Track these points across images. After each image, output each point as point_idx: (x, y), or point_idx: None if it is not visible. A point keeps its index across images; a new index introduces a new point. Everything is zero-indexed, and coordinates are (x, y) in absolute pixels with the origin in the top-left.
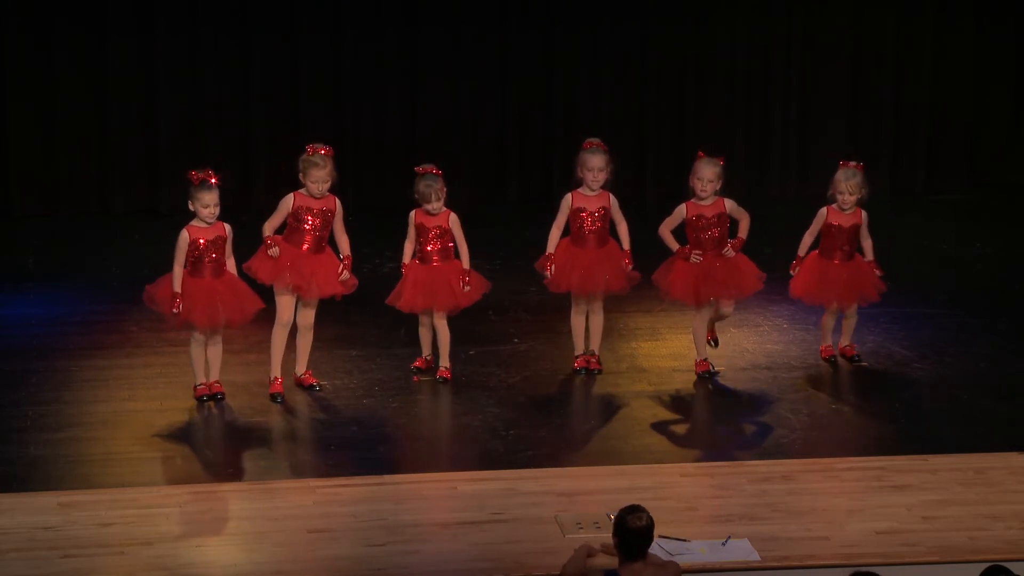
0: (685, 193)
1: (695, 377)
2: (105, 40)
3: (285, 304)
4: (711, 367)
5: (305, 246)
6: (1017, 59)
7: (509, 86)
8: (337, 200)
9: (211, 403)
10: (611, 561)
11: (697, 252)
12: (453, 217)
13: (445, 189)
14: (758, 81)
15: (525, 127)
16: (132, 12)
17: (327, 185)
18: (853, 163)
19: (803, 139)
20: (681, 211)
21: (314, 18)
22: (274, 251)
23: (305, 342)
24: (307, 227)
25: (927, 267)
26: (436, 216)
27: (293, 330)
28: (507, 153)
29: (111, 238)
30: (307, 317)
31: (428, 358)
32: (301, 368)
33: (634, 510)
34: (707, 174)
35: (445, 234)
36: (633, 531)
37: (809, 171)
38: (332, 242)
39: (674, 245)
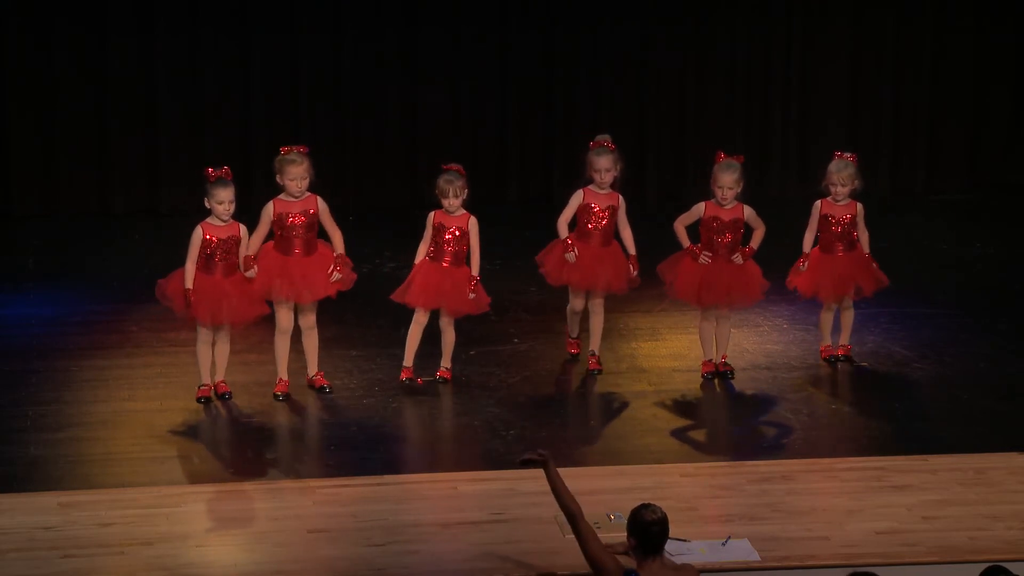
0: (685, 193)
1: (697, 377)
2: (105, 40)
3: (283, 313)
4: (717, 368)
5: (296, 251)
6: (1017, 59)
7: (509, 86)
8: (319, 198)
9: (218, 403)
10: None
11: (707, 253)
12: (473, 221)
13: (467, 190)
14: (758, 81)
15: (525, 127)
16: (132, 12)
17: (306, 182)
18: (847, 154)
19: (803, 139)
20: (699, 209)
21: (314, 18)
22: (251, 273)
23: (311, 342)
24: (294, 232)
25: (927, 267)
26: (456, 217)
27: (297, 333)
28: (507, 153)
29: (111, 238)
30: (307, 319)
31: (411, 368)
32: (312, 369)
33: (647, 506)
34: (726, 181)
35: (463, 237)
36: (650, 523)
37: (809, 171)
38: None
39: (685, 242)
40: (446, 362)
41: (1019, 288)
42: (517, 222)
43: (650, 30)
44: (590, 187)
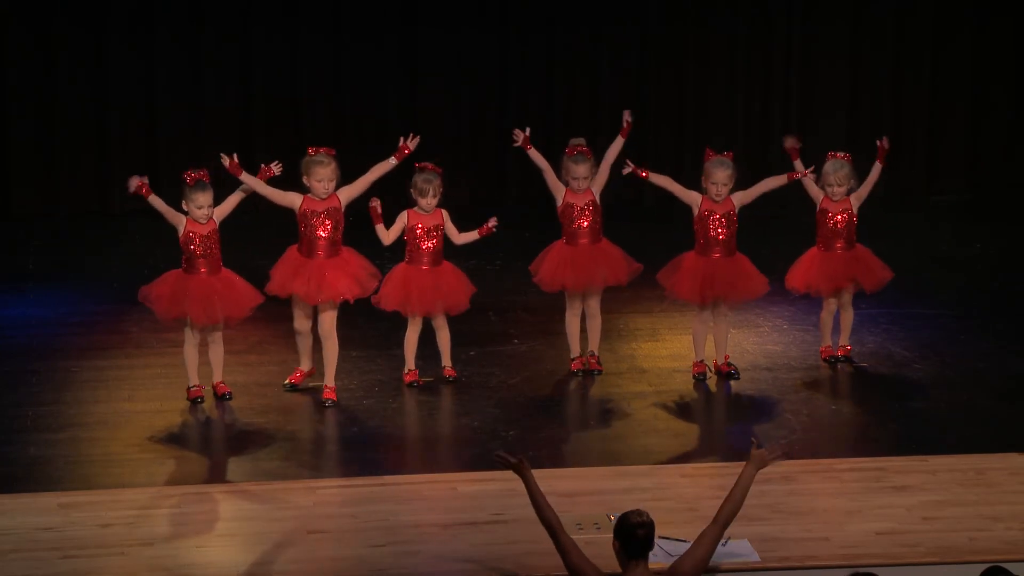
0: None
1: (693, 378)
2: (105, 40)
3: (297, 313)
4: (719, 370)
5: (320, 252)
6: (1017, 59)
7: (509, 86)
8: (338, 195)
9: (217, 403)
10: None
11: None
12: (444, 213)
13: (442, 190)
14: (758, 81)
15: (525, 127)
16: (132, 12)
17: (332, 184)
18: (841, 154)
19: (803, 139)
20: (695, 199)
21: (314, 18)
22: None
23: (330, 352)
24: (320, 232)
25: (927, 267)
26: (429, 216)
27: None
28: (507, 153)
29: (111, 238)
30: (323, 323)
31: (416, 370)
32: (329, 380)
33: (635, 511)
34: (720, 177)
35: (437, 232)
36: (635, 526)
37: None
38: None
39: (663, 180)
40: (446, 361)
41: (1019, 288)
42: (516, 222)
43: (650, 30)
44: (568, 188)
